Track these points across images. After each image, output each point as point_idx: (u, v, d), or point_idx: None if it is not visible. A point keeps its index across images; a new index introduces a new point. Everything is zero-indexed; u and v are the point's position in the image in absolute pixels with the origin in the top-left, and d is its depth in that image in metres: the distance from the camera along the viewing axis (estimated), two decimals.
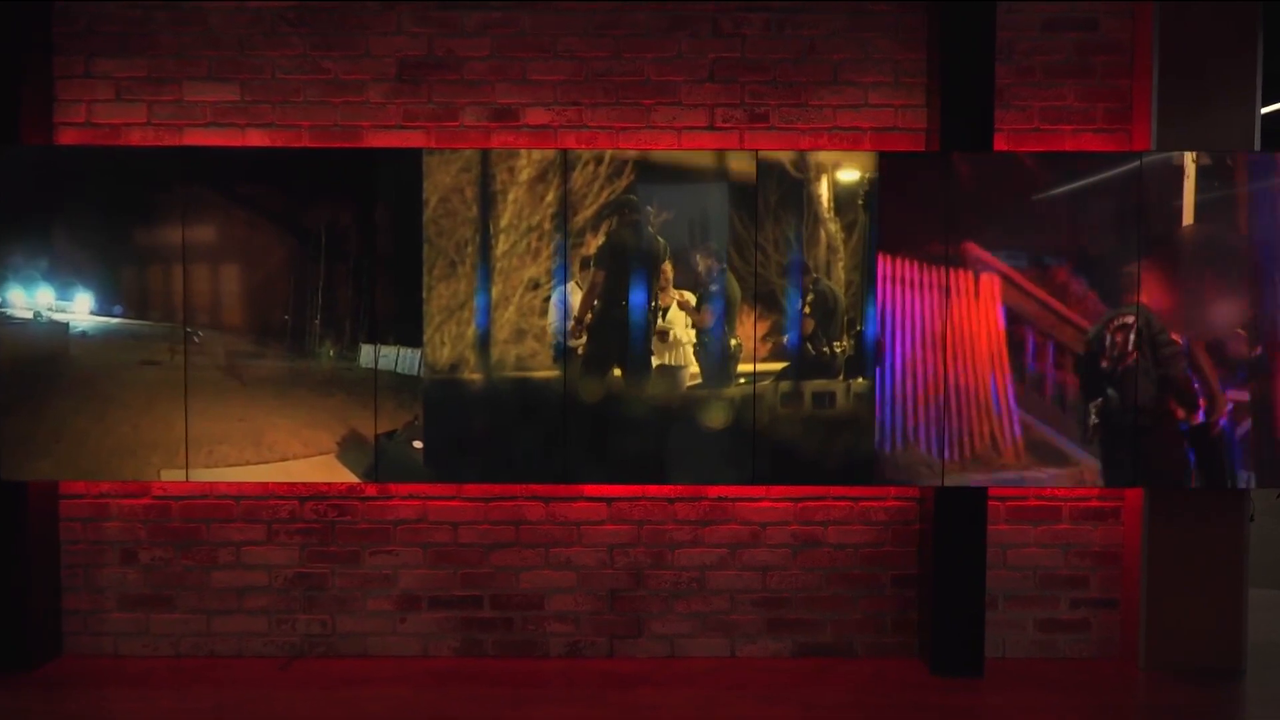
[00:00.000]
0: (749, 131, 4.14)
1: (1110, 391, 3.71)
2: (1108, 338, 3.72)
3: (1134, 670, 4.07)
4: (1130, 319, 3.70)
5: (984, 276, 3.72)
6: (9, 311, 3.76)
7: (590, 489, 4.16)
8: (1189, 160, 3.73)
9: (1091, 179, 3.73)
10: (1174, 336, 3.73)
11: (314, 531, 4.18)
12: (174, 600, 4.19)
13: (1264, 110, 4.33)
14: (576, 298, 3.73)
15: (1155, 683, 3.95)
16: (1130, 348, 3.70)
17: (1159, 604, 4.06)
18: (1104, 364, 3.72)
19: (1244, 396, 3.75)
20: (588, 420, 3.75)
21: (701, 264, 3.71)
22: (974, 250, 3.71)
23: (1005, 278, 3.73)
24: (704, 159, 3.78)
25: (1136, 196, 3.73)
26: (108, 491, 4.16)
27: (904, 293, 3.73)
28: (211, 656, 4.19)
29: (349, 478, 3.77)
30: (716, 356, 3.74)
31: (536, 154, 3.74)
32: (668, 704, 3.70)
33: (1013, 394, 3.72)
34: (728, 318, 3.74)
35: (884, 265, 3.73)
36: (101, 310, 3.77)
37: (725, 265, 3.73)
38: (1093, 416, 3.73)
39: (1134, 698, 3.82)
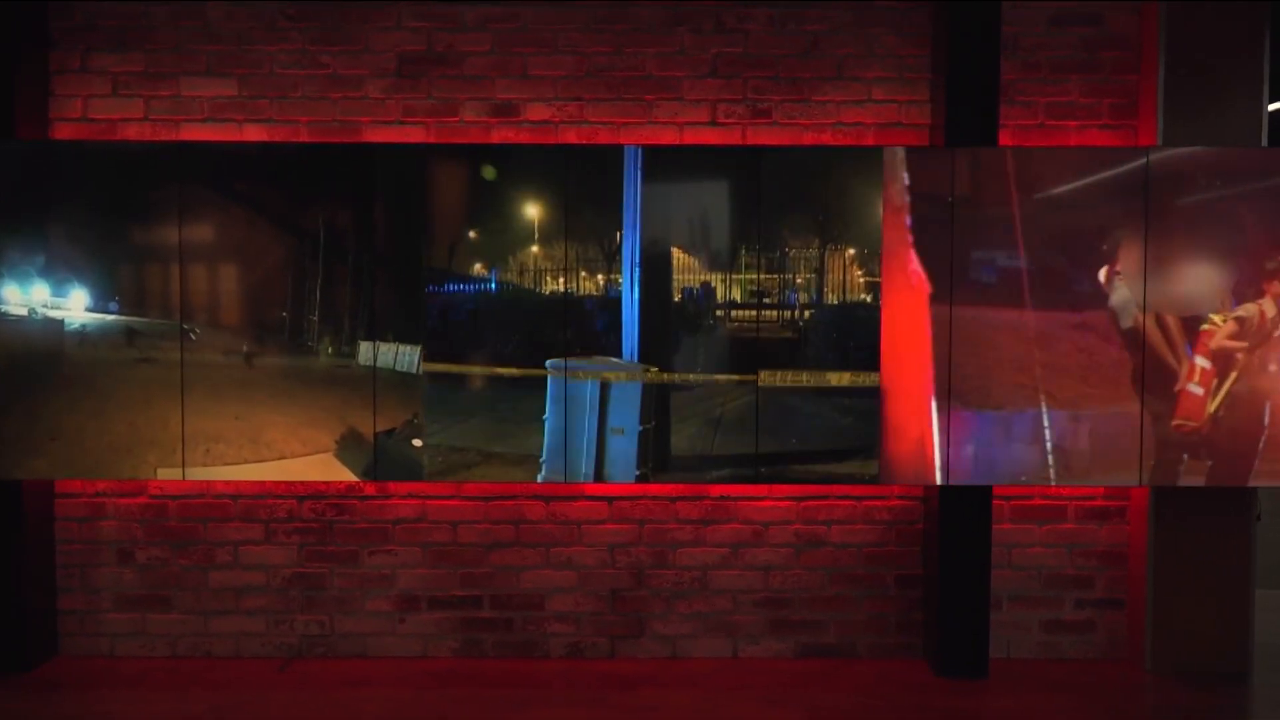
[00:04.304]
0: (751, 127, 4.10)
1: None
2: None
3: (1139, 672, 4.04)
4: None
5: None
6: (4, 308, 3.72)
7: (591, 488, 4.12)
8: None
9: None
10: None
11: (312, 531, 4.15)
12: (171, 600, 4.15)
13: (1271, 107, 4.28)
14: None
15: (1161, 685, 3.91)
16: None
17: (1165, 605, 4.02)
18: None
19: None
20: None
21: None
22: None
23: None
24: None
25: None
26: (104, 490, 4.12)
27: None
28: (209, 657, 4.16)
29: (348, 476, 3.74)
30: None
31: None
32: (669, 705, 3.66)
33: None
34: None
35: None
36: (98, 307, 3.73)
37: None
38: None
39: (1140, 700, 3.79)
